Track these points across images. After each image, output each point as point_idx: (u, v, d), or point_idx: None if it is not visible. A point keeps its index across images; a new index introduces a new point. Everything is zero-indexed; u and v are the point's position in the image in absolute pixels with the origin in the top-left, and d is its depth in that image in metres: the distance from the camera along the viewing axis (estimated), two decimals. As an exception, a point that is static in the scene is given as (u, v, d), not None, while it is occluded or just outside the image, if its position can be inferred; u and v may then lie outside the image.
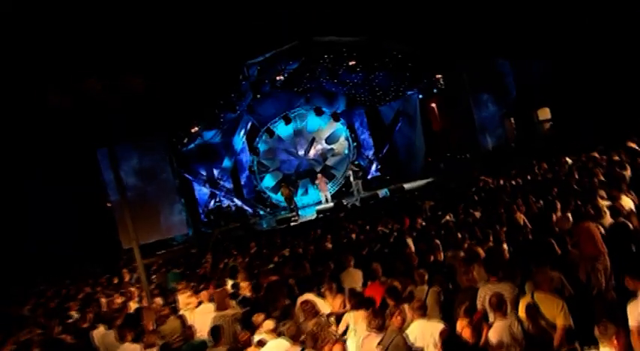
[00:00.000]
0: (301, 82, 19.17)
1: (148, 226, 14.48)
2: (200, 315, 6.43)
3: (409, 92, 19.83)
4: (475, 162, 17.34)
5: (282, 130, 20.34)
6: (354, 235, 9.45)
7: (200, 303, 6.78)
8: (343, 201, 15.60)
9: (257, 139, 20.08)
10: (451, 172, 17.80)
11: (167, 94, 13.66)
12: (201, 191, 19.75)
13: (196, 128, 15.73)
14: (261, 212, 19.69)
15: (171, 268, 10.36)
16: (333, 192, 20.01)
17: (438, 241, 7.16)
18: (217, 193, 19.71)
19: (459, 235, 7.21)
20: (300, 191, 20.36)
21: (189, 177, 18.76)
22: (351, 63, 17.23)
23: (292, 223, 15.39)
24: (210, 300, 6.73)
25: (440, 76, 18.12)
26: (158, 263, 12.47)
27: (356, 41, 17.00)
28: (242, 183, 20.81)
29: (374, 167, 21.59)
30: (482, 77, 17.45)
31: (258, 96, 17.33)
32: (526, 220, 7.46)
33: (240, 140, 20.44)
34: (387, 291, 5.35)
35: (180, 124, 15.35)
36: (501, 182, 10.94)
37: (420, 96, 19.76)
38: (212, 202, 19.96)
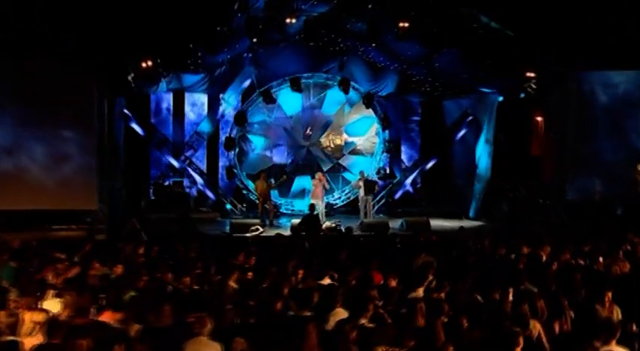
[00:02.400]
0: (330, 37, 17.99)
1: (25, 184, 13.84)
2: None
3: (485, 89, 18.32)
4: (556, 214, 16.63)
5: (287, 99, 19.69)
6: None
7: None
8: (352, 226, 14.31)
9: (248, 102, 19.29)
10: (514, 220, 17.03)
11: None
12: (161, 159, 19.41)
13: (149, 63, 14.73)
14: (228, 207, 18.85)
15: (9, 260, 9.39)
16: (339, 204, 19.58)
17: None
18: (177, 165, 18.91)
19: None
20: (292, 190, 19.67)
21: (140, 131, 18.02)
22: (402, 25, 15.78)
23: (250, 234, 14.33)
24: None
25: (533, 75, 16.51)
26: (31, 245, 11.48)
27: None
28: (220, 160, 20.15)
29: (409, 182, 20.29)
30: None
31: (255, 39, 16.17)
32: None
33: (233, 99, 19.67)
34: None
35: (128, 52, 14.45)
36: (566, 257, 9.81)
37: (500, 98, 18.33)
38: (169, 179, 19.42)
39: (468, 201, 19.22)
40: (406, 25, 15.93)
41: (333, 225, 15.38)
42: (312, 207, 15.06)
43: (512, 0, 15.96)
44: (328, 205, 18.94)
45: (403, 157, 21.26)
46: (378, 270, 8.74)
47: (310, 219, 14.18)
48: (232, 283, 8.26)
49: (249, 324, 6.57)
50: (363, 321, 6.15)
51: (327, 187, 17.73)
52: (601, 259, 9.52)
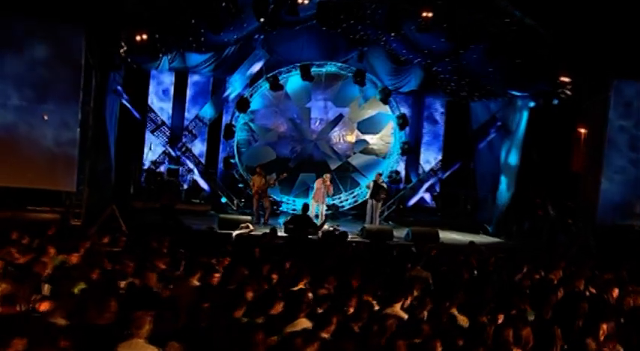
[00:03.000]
0: (349, 23, 17.68)
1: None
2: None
3: (515, 92, 18.02)
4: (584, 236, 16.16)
5: (296, 88, 19.50)
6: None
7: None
8: (346, 231, 14.14)
9: (254, 87, 19.18)
10: (535, 240, 17.20)
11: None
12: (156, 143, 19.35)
13: (144, 36, 14.53)
14: (223, 200, 18.78)
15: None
16: (346, 206, 19.51)
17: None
18: (173, 153, 18.82)
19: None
20: (295, 188, 19.58)
21: (135, 112, 17.93)
22: (425, 14, 15.48)
23: (238, 232, 14.07)
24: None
25: (567, 79, 16.10)
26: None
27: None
28: (221, 150, 19.98)
29: (424, 189, 19.94)
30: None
31: (262, 19, 15.94)
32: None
33: (239, 84, 19.55)
34: None
35: (122, 21, 14.31)
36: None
37: (532, 103, 18.00)
38: (164, 166, 19.41)
39: (489, 215, 19.01)
40: (430, 14, 15.66)
41: (332, 228, 15.10)
42: (305, 207, 14.87)
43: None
44: (334, 207, 18.82)
45: (421, 161, 21.00)
46: (361, 280, 8.55)
47: (299, 219, 13.96)
48: (195, 282, 8.13)
49: (197, 328, 6.41)
50: (325, 335, 6.00)
51: (331, 192, 17.48)
52: (617, 290, 9.19)
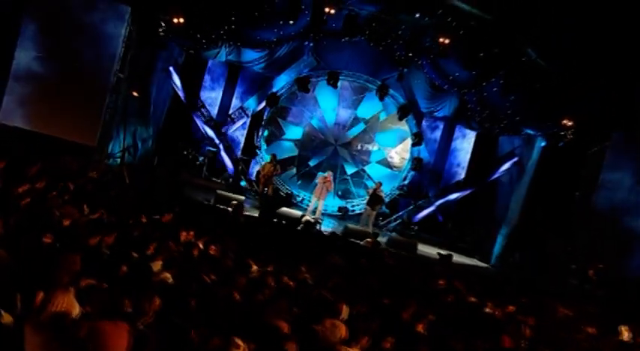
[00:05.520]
0: (387, 43, 18.05)
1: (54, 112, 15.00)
2: None
3: (528, 130, 17.99)
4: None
5: (324, 94, 20.24)
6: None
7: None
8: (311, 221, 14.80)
9: (284, 86, 19.94)
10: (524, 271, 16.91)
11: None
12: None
13: (180, 20, 15.67)
14: (242, 183, 19.52)
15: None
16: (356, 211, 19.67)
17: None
18: (210, 135, 19.94)
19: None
20: (311, 187, 19.81)
21: (181, 93, 19.10)
22: (442, 40, 15.88)
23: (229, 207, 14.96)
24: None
25: (570, 123, 16.03)
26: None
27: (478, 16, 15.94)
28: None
29: (432, 207, 20.24)
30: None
31: (291, 22, 16.73)
32: None
33: (285, 84, 20.37)
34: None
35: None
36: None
37: (543, 143, 17.94)
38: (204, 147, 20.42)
39: (489, 244, 18.91)
40: (447, 41, 15.98)
41: (312, 220, 15.74)
42: (288, 196, 15.46)
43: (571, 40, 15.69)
44: (344, 209, 19.41)
45: (441, 183, 21.03)
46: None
47: (269, 200, 14.68)
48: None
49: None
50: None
51: (331, 189, 17.94)
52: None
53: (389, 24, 17.18)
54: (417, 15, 16.34)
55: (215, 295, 6.31)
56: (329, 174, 17.89)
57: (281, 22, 17.22)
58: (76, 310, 4.69)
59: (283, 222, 14.74)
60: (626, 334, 9.56)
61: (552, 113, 16.42)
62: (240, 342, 4.77)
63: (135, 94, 16.91)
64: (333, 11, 16.05)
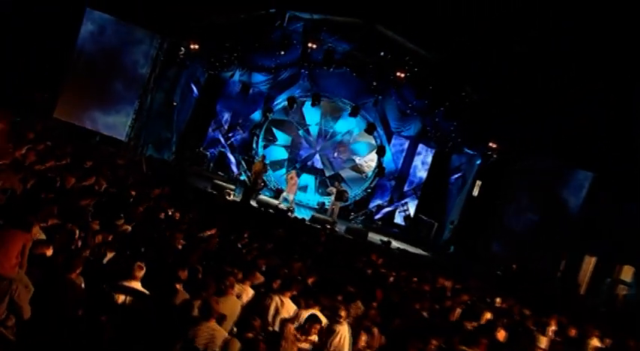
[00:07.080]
0: (366, 74, 21.90)
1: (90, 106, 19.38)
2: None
3: (468, 150, 21.83)
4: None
5: (309, 110, 23.75)
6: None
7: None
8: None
9: (279, 102, 23.63)
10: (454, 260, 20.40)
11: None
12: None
13: (196, 46, 19.36)
14: (243, 178, 23.21)
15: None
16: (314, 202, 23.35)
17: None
18: (220, 139, 23.83)
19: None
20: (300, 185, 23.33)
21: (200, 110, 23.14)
22: (399, 74, 19.84)
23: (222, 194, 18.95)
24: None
25: (495, 145, 19.77)
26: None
27: (424, 56, 20.08)
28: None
29: (391, 207, 24.00)
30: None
31: (282, 52, 20.54)
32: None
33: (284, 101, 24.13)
34: None
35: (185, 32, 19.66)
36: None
37: (478, 161, 21.62)
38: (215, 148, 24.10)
39: (436, 238, 22.56)
40: (402, 75, 19.98)
41: (285, 208, 19.66)
42: (278, 191, 19.61)
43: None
44: (320, 204, 23.22)
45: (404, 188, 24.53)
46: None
47: (247, 188, 18.84)
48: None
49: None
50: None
51: (294, 183, 21.12)
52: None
53: (361, 59, 21.21)
54: (382, 53, 20.46)
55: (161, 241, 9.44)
56: (293, 172, 21.54)
57: (277, 53, 21.14)
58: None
59: (262, 209, 18.61)
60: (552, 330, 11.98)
61: (482, 137, 20.19)
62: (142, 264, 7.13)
63: (174, 103, 21.12)
64: (315, 46, 19.98)
